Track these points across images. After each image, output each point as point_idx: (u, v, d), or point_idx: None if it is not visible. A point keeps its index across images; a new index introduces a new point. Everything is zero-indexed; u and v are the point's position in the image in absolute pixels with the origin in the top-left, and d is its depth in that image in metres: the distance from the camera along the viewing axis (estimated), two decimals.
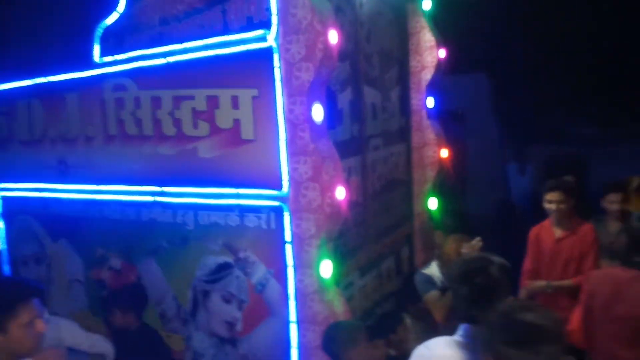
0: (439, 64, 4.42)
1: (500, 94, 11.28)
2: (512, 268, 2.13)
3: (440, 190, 4.49)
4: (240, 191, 3.02)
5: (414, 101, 4.46)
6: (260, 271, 2.99)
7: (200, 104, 3.09)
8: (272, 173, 2.88)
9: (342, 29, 2.96)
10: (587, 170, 11.19)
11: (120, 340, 3.32)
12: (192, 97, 3.12)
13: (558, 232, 3.73)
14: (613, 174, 9.49)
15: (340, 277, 3.01)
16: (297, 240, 2.82)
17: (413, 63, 4.45)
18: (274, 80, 2.84)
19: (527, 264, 3.77)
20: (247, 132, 2.96)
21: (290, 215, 2.84)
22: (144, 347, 3.33)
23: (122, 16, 3.38)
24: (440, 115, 4.64)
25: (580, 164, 11.18)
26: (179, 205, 3.24)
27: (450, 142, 4.63)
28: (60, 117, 3.64)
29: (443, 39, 4.47)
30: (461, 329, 1.96)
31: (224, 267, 3.09)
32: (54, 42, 3.72)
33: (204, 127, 3.09)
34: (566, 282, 3.57)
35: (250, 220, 3.01)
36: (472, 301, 1.94)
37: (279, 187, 2.88)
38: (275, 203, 2.90)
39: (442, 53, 4.42)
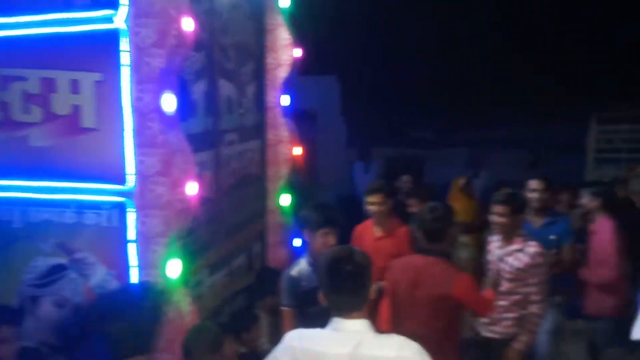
0: (295, 62, 4.46)
1: (349, 97, 11.85)
2: None
3: (292, 187, 4.55)
4: (78, 185, 2.74)
5: (270, 98, 4.45)
6: (99, 273, 2.74)
7: (33, 87, 2.75)
8: (116, 166, 2.66)
9: (197, 18, 2.83)
10: (423, 171, 12.25)
11: None
12: (23, 78, 2.76)
13: (378, 232, 4.14)
14: (445, 174, 10.50)
15: (188, 276, 2.88)
16: (143, 238, 2.64)
17: (269, 60, 4.43)
18: (120, 65, 2.63)
19: None
20: (88, 119, 2.70)
21: (136, 211, 2.65)
22: None
23: None
24: (294, 113, 4.70)
25: (417, 165, 12.20)
26: (3, 200, 2.84)
27: (302, 141, 4.71)
28: None
29: (299, 39, 4.53)
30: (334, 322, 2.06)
31: (56, 270, 2.78)
32: None
33: (36, 113, 2.75)
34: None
35: (89, 218, 2.75)
36: (341, 290, 2.05)
37: (122, 181, 2.66)
38: (119, 199, 2.68)
39: (298, 52, 4.48)
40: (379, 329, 2.49)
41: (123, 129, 2.64)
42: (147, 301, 2.03)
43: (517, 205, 3.64)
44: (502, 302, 3.58)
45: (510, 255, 3.62)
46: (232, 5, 3.77)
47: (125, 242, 2.67)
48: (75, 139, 2.71)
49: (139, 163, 2.63)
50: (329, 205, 3.45)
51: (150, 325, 1.98)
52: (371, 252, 3.50)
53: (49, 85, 2.73)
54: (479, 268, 4.37)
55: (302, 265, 3.26)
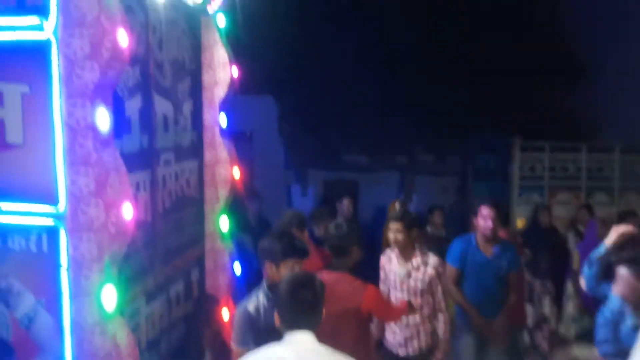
0: (232, 81, 4.38)
1: (286, 119, 11.87)
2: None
3: (231, 209, 4.41)
4: (3, 206, 2.50)
5: (207, 117, 4.32)
6: (27, 302, 2.49)
7: None
8: (46, 185, 2.44)
9: (132, 31, 2.70)
10: (358, 194, 12.41)
11: None
12: None
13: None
14: (379, 197, 10.67)
15: (124, 305, 2.68)
16: (75, 264, 2.43)
17: (206, 78, 4.32)
18: (49, 77, 2.44)
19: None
20: (13, 134, 2.47)
21: (67, 235, 2.44)
22: None
23: None
24: (231, 134, 4.59)
25: (352, 188, 12.35)
26: None
27: (240, 162, 4.61)
28: None
29: (236, 58, 4.46)
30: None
31: None
32: None
33: None
34: None
35: (15, 242, 2.50)
36: (300, 313, 2.22)
37: (54, 202, 2.45)
38: (49, 221, 2.46)
39: (235, 71, 4.40)
40: None
41: (53, 146, 2.44)
42: None
43: (411, 221, 3.90)
44: (412, 319, 3.80)
45: (416, 270, 3.83)
46: (169, 20, 3.65)
47: (56, 268, 2.44)
48: None
49: (71, 183, 2.43)
50: (292, 234, 3.27)
51: None
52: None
53: None
54: None
55: (259, 300, 2.95)
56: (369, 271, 5.03)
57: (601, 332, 3.38)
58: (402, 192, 11.97)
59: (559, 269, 6.13)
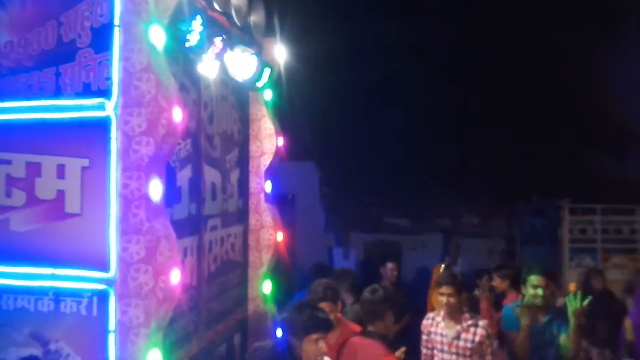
0: (277, 151, 4.57)
1: (327, 183, 12.03)
2: None
3: (275, 273, 4.49)
4: (56, 272, 2.66)
5: (253, 184, 4.51)
6: None
7: (18, 171, 2.74)
8: (99, 252, 2.61)
9: (185, 107, 2.91)
10: (400, 257, 12.25)
11: None
12: (8, 162, 2.75)
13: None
14: (422, 260, 10.49)
15: None
16: (123, 329, 2.54)
17: (253, 148, 4.54)
18: (108, 152, 2.65)
19: None
20: (72, 205, 2.67)
21: (117, 300, 2.56)
22: None
23: None
24: (275, 199, 4.74)
25: (395, 251, 12.22)
26: None
27: (283, 226, 4.72)
28: None
29: (282, 128, 4.67)
30: None
31: None
32: None
33: (19, 197, 2.72)
34: None
35: (67, 306, 2.64)
36: None
37: (105, 268, 2.60)
38: (100, 286, 2.60)
39: (281, 141, 4.60)
40: None
41: (108, 215, 2.61)
42: None
43: (460, 285, 3.97)
44: None
45: (466, 331, 3.89)
46: (219, 96, 3.90)
47: (104, 332, 2.56)
48: (58, 224, 2.67)
49: (123, 250, 2.58)
50: (316, 305, 3.11)
51: None
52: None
53: (35, 169, 2.73)
54: None
55: None
56: (415, 335, 4.98)
57: None
58: (446, 254, 11.74)
59: (616, 336, 5.81)
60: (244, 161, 4.42)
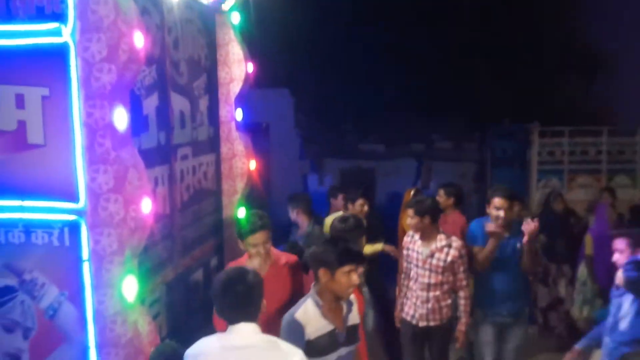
0: (247, 77, 4.47)
1: (302, 111, 11.95)
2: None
3: (248, 201, 4.53)
4: (25, 204, 2.64)
5: (223, 112, 4.44)
6: (51, 294, 2.63)
7: None
8: (67, 183, 2.57)
9: (148, 32, 2.80)
10: (375, 182, 12.45)
11: None
12: None
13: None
14: (396, 185, 10.69)
15: (145, 294, 2.81)
16: (96, 257, 2.56)
17: (221, 74, 4.43)
18: (68, 80, 2.56)
19: None
20: (35, 135, 2.60)
21: (88, 230, 2.57)
22: None
23: None
24: (247, 127, 4.70)
25: (369, 177, 12.39)
26: None
27: (256, 154, 4.71)
28: None
29: (251, 53, 4.54)
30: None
31: (4, 292, 2.66)
32: None
33: None
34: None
35: (39, 237, 2.64)
36: (235, 307, 2.30)
37: (74, 199, 2.58)
38: (70, 217, 2.59)
39: (250, 67, 4.49)
40: None
41: (73, 146, 2.56)
42: None
43: (424, 208, 4.16)
44: (436, 293, 4.14)
45: (439, 251, 4.12)
46: (184, 19, 3.75)
47: (78, 261, 2.58)
48: (21, 155, 2.61)
49: (91, 180, 2.55)
50: (345, 239, 3.10)
51: None
52: None
53: None
54: None
55: (308, 308, 2.80)
56: (389, 258, 5.18)
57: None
58: (418, 179, 11.96)
59: (576, 253, 6.12)
60: (212, 88, 4.32)
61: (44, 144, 2.61)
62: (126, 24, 2.54)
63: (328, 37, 12.78)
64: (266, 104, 10.34)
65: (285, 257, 3.46)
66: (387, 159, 12.86)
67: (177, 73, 3.68)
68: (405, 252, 4.39)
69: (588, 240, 5.87)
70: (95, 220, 2.56)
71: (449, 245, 4.13)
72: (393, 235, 5.44)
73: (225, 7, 4.31)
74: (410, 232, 4.39)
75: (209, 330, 3.39)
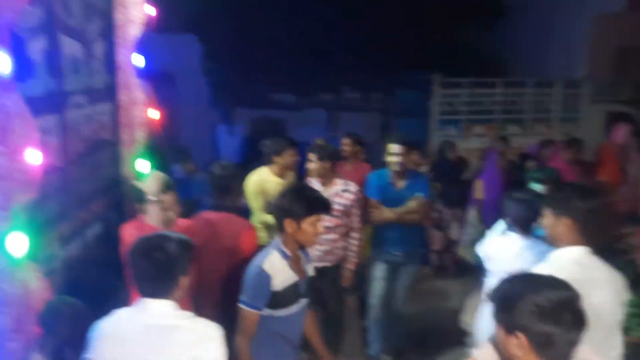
0: (148, 20, 4.24)
1: (210, 59, 11.54)
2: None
3: (150, 152, 4.38)
4: None
5: (121, 57, 4.19)
6: None
7: None
8: None
9: None
10: (285, 132, 12.47)
11: None
12: None
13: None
14: (306, 135, 10.81)
15: (37, 250, 2.69)
16: None
17: (119, 16, 4.15)
18: None
19: None
20: None
21: None
22: None
23: None
24: (150, 75, 4.49)
25: (280, 127, 12.38)
26: None
27: (161, 103, 4.54)
28: None
29: None
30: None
31: None
32: None
33: None
34: None
35: None
36: (149, 277, 2.14)
37: None
38: None
39: (151, 9, 4.25)
40: None
41: None
42: None
43: (324, 154, 4.32)
44: (331, 236, 4.28)
45: (339, 196, 4.29)
46: None
47: None
48: None
49: None
50: (311, 188, 3.05)
51: None
52: None
53: None
54: None
55: (274, 259, 2.77)
56: None
57: None
58: (328, 129, 12.13)
59: (467, 198, 6.62)
60: (109, 32, 4.06)
61: None
62: None
63: None
64: (173, 51, 9.87)
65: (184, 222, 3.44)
66: (297, 109, 12.88)
67: (68, 13, 3.40)
68: None
69: (478, 185, 6.35)
70: None
71: (347, 190, 4.31)
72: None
73: None
74: (311, 180, 4.50)
75: (113, 288, 3.33)
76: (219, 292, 3.43)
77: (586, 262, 2.45)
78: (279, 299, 2.74)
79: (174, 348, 2.09)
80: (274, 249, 2.80)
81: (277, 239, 2.84)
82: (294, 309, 2.85)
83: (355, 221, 4.38)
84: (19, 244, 2.44)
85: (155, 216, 3.24)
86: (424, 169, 6.86)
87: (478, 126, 9.42)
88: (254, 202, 4.67)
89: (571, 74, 11.83)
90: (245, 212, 4.40)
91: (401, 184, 4.49)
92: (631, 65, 11.69)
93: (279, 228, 2.81)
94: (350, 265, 4.43)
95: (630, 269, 4.62)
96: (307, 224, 2.73)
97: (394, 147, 4.35)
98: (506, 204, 3.56)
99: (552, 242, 2.60)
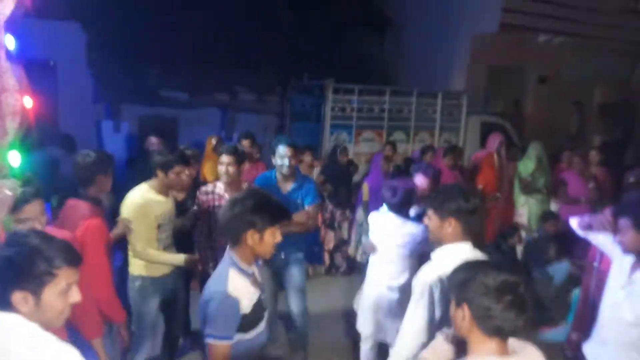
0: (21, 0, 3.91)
1: (96, 49, 10.88)
2: None
3: (24, 144, 4.05)
4: None
5: None
6: None
7: None
8: None
9: None
10: (177, 131, 12.10)
11: None
12: None
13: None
14: (199, 134, 10.60)
15: None
16: None
17: None
18: None
19: None
20: None
21: None
22: None
23: None
24: (28, 62, 4.14)
25: (171, 125, 11.99)
26: None
27: (39, 93, 4.21)
28: None
29: None
30: None
31: None
32: None
33: None
34: None
35: None
36: None
37: None
38: None
39: None
40: None
41: None
42: None
43: (240, 156, 4.26)
44: None
45: None
46: None
47: None
48: None
49: None
50: (269, 195, 2.71)
51: None
52: None
53: None
54: None
55: (235, 279, 2.48)
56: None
57: None
58: (222, 129, 11.99)
59: (356, 199, 6.91)
60: None
61: None
62: None
63: None
64: (53, 38, 9.19)
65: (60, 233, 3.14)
66: (190, 108, 12.57)
67: None
68: (204, 204, 4.31)
69: (365, 187, 6.67)
70: None
71: None
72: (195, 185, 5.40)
73: None
74: (209, 189, 4.32)
75: None
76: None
77: (470, 256, 2.58)
78: (249, 321, 2.50)
79: None
80: (229, 267, 2.51)
81: (230, 255, 2.57)
82: (262, 325, 2.65)
83: None
84: None
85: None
86: (316, 171, 7.07)
87: (368, 131, 9.85)
88: (137, 227, 3.89)
89: (452, 86, 12.78)
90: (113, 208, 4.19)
91: (287, 186, 4.44)
92: (502, 82, 12.95)
93: (235, 241, 2.54)
94: None
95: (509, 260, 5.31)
96: (268, 235, 2.51)
97: (282, 149, 4.31)
98: (383, 191, 4.04)
99: (438, 242, 2.73)
